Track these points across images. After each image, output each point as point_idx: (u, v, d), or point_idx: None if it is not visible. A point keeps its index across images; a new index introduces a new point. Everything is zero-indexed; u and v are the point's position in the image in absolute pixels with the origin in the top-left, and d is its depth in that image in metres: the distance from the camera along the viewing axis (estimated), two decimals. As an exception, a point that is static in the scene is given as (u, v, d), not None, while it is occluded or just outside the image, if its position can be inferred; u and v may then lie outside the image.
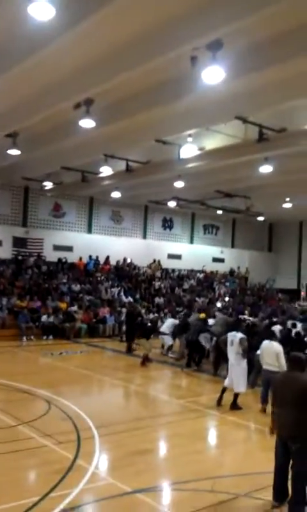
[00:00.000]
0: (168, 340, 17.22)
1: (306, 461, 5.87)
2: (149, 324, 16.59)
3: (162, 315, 22.15)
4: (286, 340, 12.86)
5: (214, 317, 16.80)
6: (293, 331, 14.85)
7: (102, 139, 14.88)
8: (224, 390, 10.72)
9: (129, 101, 11.94)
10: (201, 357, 14.98)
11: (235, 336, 10.75)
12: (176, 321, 17.32)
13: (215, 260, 32.03)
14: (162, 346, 17.60)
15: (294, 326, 15.85)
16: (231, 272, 32.23)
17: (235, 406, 10.54)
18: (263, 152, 14.97)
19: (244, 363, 10.72)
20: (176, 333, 16.61)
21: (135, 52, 9.27)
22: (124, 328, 20.92)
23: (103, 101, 11.87)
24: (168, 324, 17.32)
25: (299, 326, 15.47)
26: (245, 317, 18.39)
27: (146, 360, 15.46)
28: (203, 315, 16.27)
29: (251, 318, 18.35)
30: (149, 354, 15.74)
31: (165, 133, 14.32)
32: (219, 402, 10.67)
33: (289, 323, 16.28)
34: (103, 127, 13.01)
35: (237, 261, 32.96)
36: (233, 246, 33.89)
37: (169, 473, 7.16)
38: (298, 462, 5.87)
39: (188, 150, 15.47)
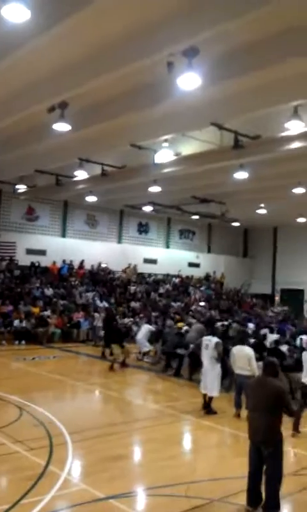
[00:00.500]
0: (144, 347, 17.20)
1: (279, 465, 5.91)
2: (123, 329, 16.59)
3: (138, 319, 22.11)
4: (259, 347, 12.93)
5: (189, 325, 16.85)
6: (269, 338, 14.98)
7: (76, 142, 14.81)
8: (204, 395, 10.74)
9: (104, 105, 11.92)
10: (179, 365, 14.92)
11: (210, 341, 10.80)
12: (152, 328, 17.31)
13: (191, 264, 32.14)
14: (139, 352, 17.56)
15: (272, 331, 16.02)
16: (207, 277, 32.38)
17: (209, 411, 10.57)
18: (239, 158, 15.10)
19: (218, 367, 10.77)
20: (152, 340, 16.62)
21: (111, 57, 9.26)
22: (101, 333, 20.86)
23: (78, 105, 11.82)
24: (144, 330, 17.29)
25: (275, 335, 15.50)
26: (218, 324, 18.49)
27: (123, 365, 15.46)
28: (181, 324, 16.32)
29: (225, 322, 18.48)
30: (126, 359, 15.73)
31: (140, 138, 14.32)
32: (204, 406, 10.69)
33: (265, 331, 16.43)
34: (78, 131, 12.94)
35: (213, 266, 33.13)
36: (208, 251, 34.07)
37: (143, 479, 7.11)
38: (271, 466, 5.90)
39: (164, 155, 15.51)
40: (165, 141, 14.57)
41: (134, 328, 20.44)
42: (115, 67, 9.50)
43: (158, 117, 12.25)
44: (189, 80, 9.01)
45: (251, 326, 17.68)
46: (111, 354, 15.83)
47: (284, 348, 13.08)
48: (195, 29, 8.08)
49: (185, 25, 8.11)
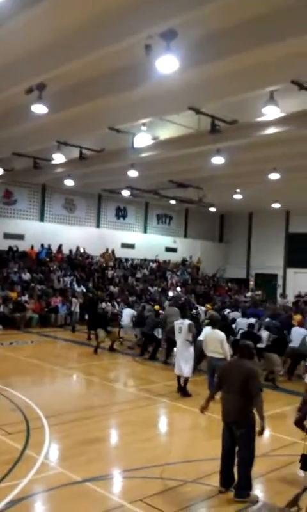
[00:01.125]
0: (132, 332, 17.26)
1: (251, 446, 6.05)
2: (110, 314, 16.75)
3: (115, 303, 22.14)
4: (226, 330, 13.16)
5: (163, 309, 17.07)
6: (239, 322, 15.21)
7: (54, 125, 14.60)
8: (179, 378, 10.91)
9: (83, 87, 11.74)
10: (156, 348, 15.11)
11: (182, 324, 10.96)
12: (133, 311, 17.39)
13: (168, 249, 32.22)
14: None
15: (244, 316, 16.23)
16: (184, 261, 32.53)
17: (184, 393, 10.74)
18: (216, 143, 15.07)
19: (191, 349, 10.97)
20: (135, 324, 16.76)
21: (89, 38, 9.11)
22: (76, 317, 20.94)
23: (57, 86, 11.62)
24: (127, 313, 17.35)
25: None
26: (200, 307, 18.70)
27: (111, 350, 15.76)
28: (157, 307, 16.49)
29: (202, 307, 18.70)
30: (114, 344, 15.97)
31: (119, 121, 14.18)
32: (179, 389, 10.85)
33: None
34: (56, 113, 12.74)
35: (189, 251, 33.27)
36: (185, 236, 34.17)
37: (119, 462, 7.21)
38: (243, 447, 6.04)
39: (142, 139, 15.41)
40: (144, 124, 14.47)
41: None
42: (92, 49, 9.34)
43: (136, 100, 12.13)
44: (167, 64, 8.92)
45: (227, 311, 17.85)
46: (96, 338, 15.91)
47: (265, 333, 13.34)
48: (172, 11, 7.97)
49: (163, 8, 8.00)
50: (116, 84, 11.11)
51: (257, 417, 6.02)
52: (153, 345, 15.30)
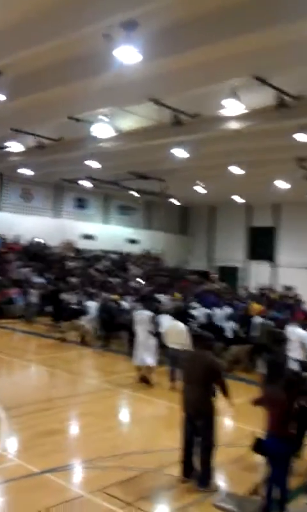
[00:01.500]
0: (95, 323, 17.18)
1: (211, 437, 6.13)
2: (74, 306, 16.62)
3: (74, 295, 21.96)
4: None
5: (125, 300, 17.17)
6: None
7: (10, 112, 14.27)
8: (140, 368, 10.96)
9: (41, 75, 11.50)
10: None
11: (144, 315, 11.00)
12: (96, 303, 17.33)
13: (130, 241, 32.14)
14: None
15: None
16: (145, 253, 32.54)
17: (146, 381, 10.80)
18: (177, 135, 15.08)
19: (153, 339, 11.03)
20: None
21: (48, 25, 8.91)
22: (34, 309, 20.69)
23: (13, 73, 11.36)
24: (92, 305, 17.25)
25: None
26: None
27: (82, 343, 15.49)
28: (116, 297, 16.52)
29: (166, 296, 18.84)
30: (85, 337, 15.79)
31: (78, 110, 13.99)
32: (141, 379, 10.89)
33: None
34: (13, 100, 12.47)
35: (151, 243, 33.28)
36: (147, 227, 34.15)
37: (79, 452, 7.20)
38: (203, 437, 6.12)
39: (102, 129, 15.25)
40: (104, 114, 14.33)
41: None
42: (51, 36, 9.15)
43: (96, 89, 12.00)
44: (127, 54, 8.84)
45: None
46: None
47: (230, 324, 13.69)
48: (133, 1, 7.92)
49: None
50: (76, 72, 10.94)
51: (219, 405, 6.12)
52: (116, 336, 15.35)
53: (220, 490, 5.96)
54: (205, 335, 6.66)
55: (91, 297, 18.32)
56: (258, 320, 13.62)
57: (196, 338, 6.86)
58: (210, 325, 13.70)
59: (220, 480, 6.36)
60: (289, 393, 5.39)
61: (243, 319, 14.38)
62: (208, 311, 15.25)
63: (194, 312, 15.23)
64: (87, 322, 16.38)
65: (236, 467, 6.77)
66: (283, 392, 5.41)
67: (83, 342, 15.70)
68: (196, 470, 6.17)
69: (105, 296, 17.87)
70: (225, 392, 6.19)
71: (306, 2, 7.77)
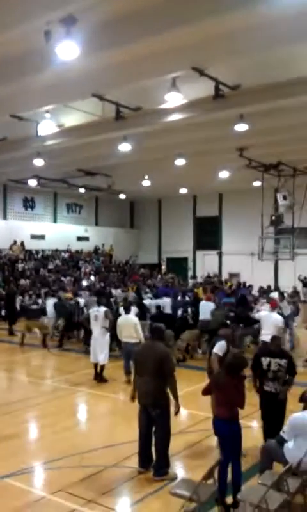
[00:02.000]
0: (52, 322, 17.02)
1: (167, 426, 6.23)
2: (34, 307, 16.43)
3: (27, 296, 21.65)
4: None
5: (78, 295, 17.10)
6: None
7: None
8: (96, 365, 10.97)
9: (-20, 73, 11.27)
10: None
11: (98, 311, 11.01)
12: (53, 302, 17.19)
13: (80, 238, 31.91)
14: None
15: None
16: (96, 250, 32.42)
17: (101, 379, 10.83)
18: (121, 130, 15.07)
19: (107, 336, 11.10)
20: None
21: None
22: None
23: None
24: (50, 304, 17.08)
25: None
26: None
27: (44, 345, 15.26)
28: (68, 296, 16.44)
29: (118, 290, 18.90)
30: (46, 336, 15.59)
31: (21, 108, 13.75)
32: (96, 377, 10.89)
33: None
34: None
35: (101, 239, 33.18)
36: (96, 224, 34.00)
37: (38, 454, 7.14)
38: (159, 427, 6.21)
39: (46, 127, 15.06)
40: (47, 112, 14.15)
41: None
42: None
43: (38, 87, 11.81)
44: (68, 50, 8.75)
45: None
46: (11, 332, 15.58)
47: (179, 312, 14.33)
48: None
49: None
50: (16, 70, 10.75)
51: (172, 397, 6.20)
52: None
53: (177, 478, 6.06)
54: (156, 326, 6.73)
55: (51, 296, 18.17)
56: (208, 304, 14.04)
57: (151, 329, 6.94)
58: (161, 315, 13.88)
59: (178, 468, 6.47)
60: (232, 376, 5.54)
61: (192, 305, 15.02)
62: (159, 301, 15.42)
63: (145, 303, 15.49)
64: (48, 321, 16.30)
65: (191, 453, 6.89)
66: (227, 376, 5.55)
67: (44, 342, 15.48)
68: (154, 460, 6.26)
69: (59, 295, 17.77)
70: (173, 393, 6.25)
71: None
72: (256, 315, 11.89)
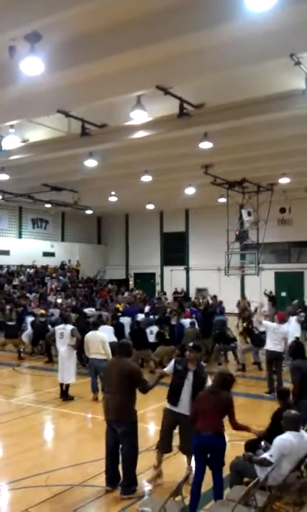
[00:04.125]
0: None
1: (134, 443, 6.18)
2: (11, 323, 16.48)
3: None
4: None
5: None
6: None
7: None
8: (62, 384, 10.81)
9: None
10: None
11: (64, 329, 10.89)
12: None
13: (46, 254, 31.59)
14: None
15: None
16: (62, 265, 32.16)
17: (66, 397, 10.69)
18: (87, 146, 15.13)
19: (74, 354, 10.97)
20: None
21: None
22: None
23: None
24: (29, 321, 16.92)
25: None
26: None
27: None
28: (43, 312, 16.90)
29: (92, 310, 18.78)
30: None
31: (-16, 124, 13.69)
32: (62, 395, 10.74)
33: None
34: None
35: (68, 254, 32.94)
36: (63, 239, 33.78)
37: (2, 474, 6.97)
38: (126, 444, 6.15)
39: (10, 142, 14.98)
40: (12, 126, 14.09)
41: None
42: None
43: (3, 102, 11.77)
44: (32, 66, 8.76)
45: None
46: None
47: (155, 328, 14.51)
48: (35, 14, 7.94)
49: (25, 10, 7.93)
50: (-20, 85, 10.70)
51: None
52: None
53: (145, 496, 6.00)
54: (122, 342, 6.73)
55: (29, 313, 17.96)
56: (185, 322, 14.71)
57: (118, 345, 6.88)
58: (137, 331, 13.95)
59: (145, 486, 6.40)
60: (227, 391, 5.54)
61: (165, 322, 15.32)
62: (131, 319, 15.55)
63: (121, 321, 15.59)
64: (25, 338, 16.14)
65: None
66: (221, 391, 5.54)
67: (19, 355, 15.56)
68: (121, 477, 6.18)
69: (34, 311, 17.69)
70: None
71: (207, 12, 8.07)
72: (263, 327, 11.91)
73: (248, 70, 10.17)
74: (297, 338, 11.04)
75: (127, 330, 15.07)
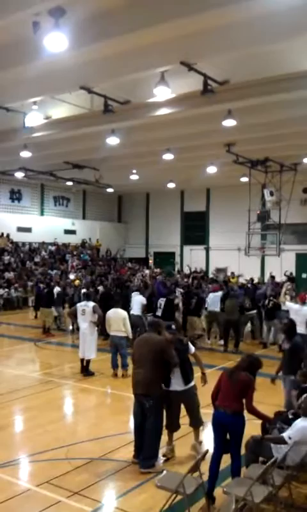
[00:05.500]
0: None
1: (159, 417, 6.27)
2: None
3: (13, 289, 21.60)
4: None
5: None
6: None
7: None
8: (82, 359, 10.98)
9: None
10: None
11: (87, 306, 10.99)
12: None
13: (67, 232, 31.80)
14: None
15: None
16: (83, 243, 32.34)
17: (87, 373, 10.85)
18: (109, 123, 15.01)
19: (95, 331, 11.08)
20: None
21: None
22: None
23: None
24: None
25: None
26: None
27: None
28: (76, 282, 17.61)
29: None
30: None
31: (8, 100, 13.63)
32: (82, 370, 10.91)
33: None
34: None
35: (88, 232, 33.10)
36: (84, 217, 33.91)
37: (24, 447, 7.15)
38: (151, 418, 6.23)
39: (33, 119, 14.95)
40: (35, 103, 14.05)
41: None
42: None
43: (26, 78, 11.71)
44: (56, 41, 8.68)
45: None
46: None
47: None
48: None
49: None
50: (4, 61, 10.65)
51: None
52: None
53: (164, 471, 6.10)
54: (153, 321, 6.81)
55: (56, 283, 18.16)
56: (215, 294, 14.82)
57: (149, 323, 7.01)
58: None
59: (163, 461, 6.51)
60: (250, 374, 5.55)
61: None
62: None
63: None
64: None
65: (179, 446, 6.92)
66: (245, 371, 5.52)
67: (45, 333, 15.86)
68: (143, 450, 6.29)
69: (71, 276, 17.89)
70: (174, 365, 6.34)
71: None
72: (287, 306, 11.78)
73: (274, 46, 9.90)
74: None
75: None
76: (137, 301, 13.74)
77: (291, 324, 7.94)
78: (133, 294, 14.46)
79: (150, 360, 6.23)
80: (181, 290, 15.86)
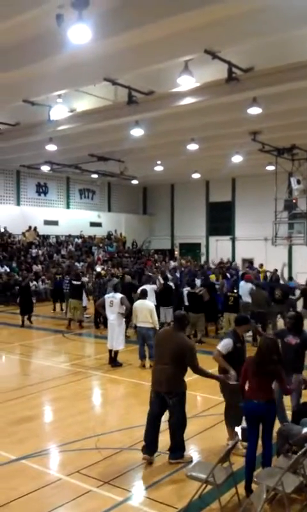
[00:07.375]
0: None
1: (183, 412, 6.25)
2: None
3: (40, 282, 21.83)
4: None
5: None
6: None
7: None
8: (110, 350, 11.05)
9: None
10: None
11: (114, 297, 11.03)
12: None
13: (93, 224, 31.97)
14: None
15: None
16: (109, 236, 32.47)
17: (115, 364, 10.92)
18: (134, 114, 14.99)
19: (123, 322, 11.13)
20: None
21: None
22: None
23: None
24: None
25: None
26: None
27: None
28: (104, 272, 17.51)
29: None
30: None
31: (33, 93, 13.71)
32: (110, 361, 11.00)
33: None
34: None
35: (114, 225, 33.22)
36: (109, 209, 34.03)
37: (54, 437, 7.24)
38: (175, 415, 6.21)
39: (58, 112, 15.02)
40: (59, 96, 14.11)
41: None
42: (2, 18, 8.97)
43: (51, 71, 11.77)
44: (80, 33, 8.67)
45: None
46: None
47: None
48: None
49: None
50: (28, 54, 10.72)
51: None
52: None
53: (193, 461, 6.11)
54: (179, 314, 6.67)
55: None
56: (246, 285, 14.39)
57: (175, 317, 6.81)
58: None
59: (193, 451, 6.53)
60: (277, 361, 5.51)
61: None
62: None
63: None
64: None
65: (207, 437, 6.93)
66: (276, 363, 5.49)
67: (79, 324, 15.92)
68: (170, 444, 6.29)
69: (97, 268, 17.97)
70: (203, 374, 6.29)
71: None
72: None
73: (299, 32, 9.72)
74: None
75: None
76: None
77: (298, 316, 7.26)
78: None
79: (171, 359, 6.10)
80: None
